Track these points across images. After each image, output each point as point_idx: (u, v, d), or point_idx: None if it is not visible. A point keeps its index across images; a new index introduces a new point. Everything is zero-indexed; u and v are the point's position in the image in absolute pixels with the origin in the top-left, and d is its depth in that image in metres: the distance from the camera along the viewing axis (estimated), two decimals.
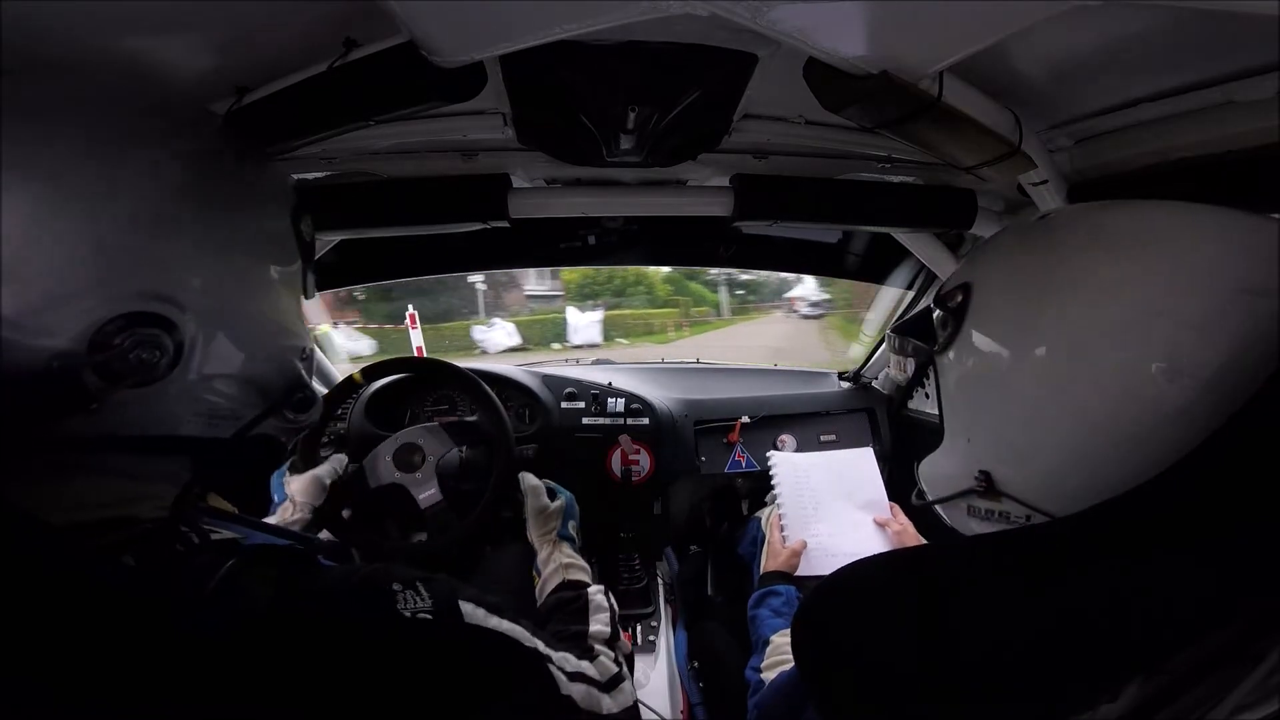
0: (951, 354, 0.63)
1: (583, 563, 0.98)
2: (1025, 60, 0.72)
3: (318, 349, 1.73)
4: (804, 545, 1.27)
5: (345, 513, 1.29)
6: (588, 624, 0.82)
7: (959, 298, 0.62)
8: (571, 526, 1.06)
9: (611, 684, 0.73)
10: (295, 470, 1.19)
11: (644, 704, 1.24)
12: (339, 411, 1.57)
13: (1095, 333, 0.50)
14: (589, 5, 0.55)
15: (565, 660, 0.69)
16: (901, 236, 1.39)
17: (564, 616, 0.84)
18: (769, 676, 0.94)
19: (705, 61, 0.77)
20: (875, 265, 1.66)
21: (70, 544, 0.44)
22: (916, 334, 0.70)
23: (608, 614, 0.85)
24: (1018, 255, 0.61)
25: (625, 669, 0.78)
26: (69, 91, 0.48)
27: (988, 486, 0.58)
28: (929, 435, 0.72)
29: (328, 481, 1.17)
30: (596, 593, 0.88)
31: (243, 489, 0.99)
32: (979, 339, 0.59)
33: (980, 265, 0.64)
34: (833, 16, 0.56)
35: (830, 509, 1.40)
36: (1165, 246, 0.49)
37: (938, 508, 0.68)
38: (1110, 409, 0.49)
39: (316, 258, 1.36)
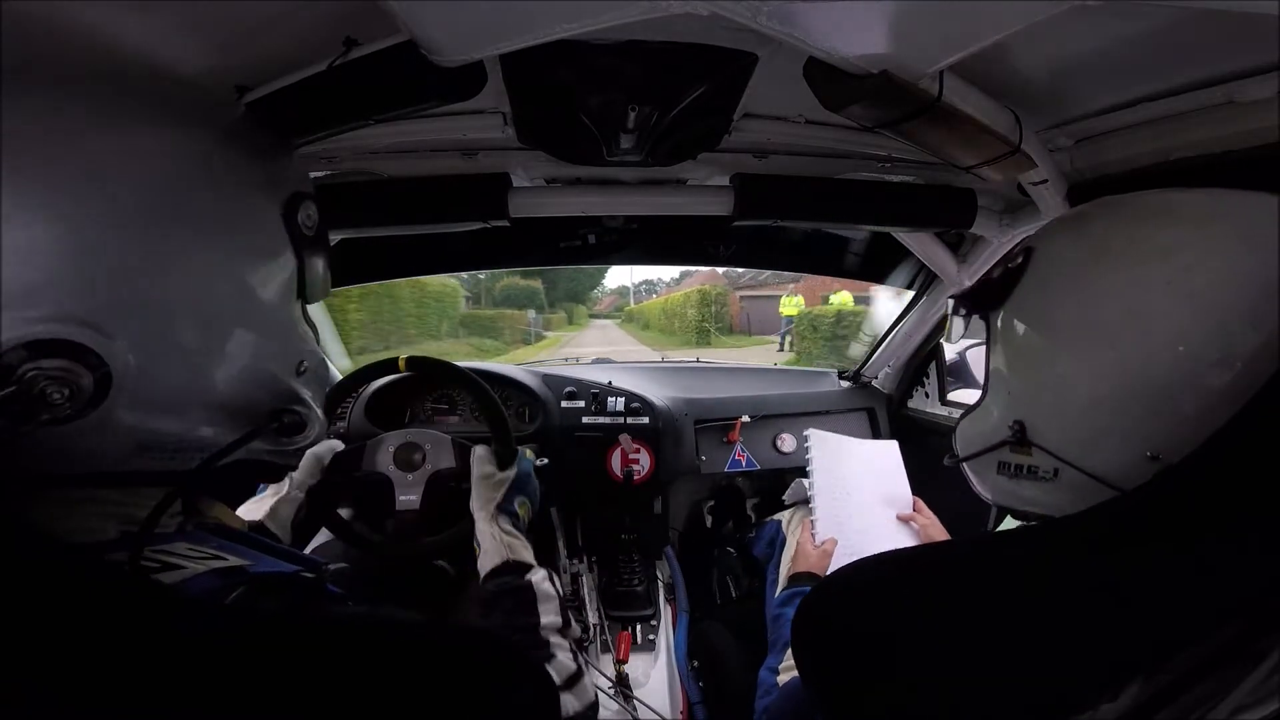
0: (1005, 310, 0.67)
1: (523, 540, 0.89)
2: (1025, 60, 0.72)
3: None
4: (835, 545, 1.26)
5: (345, 512, 1.29)
6: (538, 615, 0.76)
7: (1019, 259, 0.65)
8: (519, 503, 0.95)
9: (571, 682, 0.69)
10: None
11: (644, 703, 1.24)
12: (339, 410, 1.57)
13: (1143, 293, 0.53)
14: (589, 5, 0.55)
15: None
16: (901, 236, 1.39)
17: (511, 607, 0.77)
18: (785, 679, 0.94)
19: (705, 61, 0.77)
20: (875, 265, 1.66)
21: (70, 552, 0.43)
22: (977, 294, 0.73)
23: (556, 602, 0.79)
24: (1077, 225, 0.65)
25: (581, 660, 0.75)
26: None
27: (1021, 436, 0.61)
28: (929, 433, 0.74)
29: (325, 461, 1.15)
30: (541, 580, 0.81)
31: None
32: (1031, 297, 0.64)
33: (1045, 233, 0.68)
34: (833, 16, 0.55)
35: (860, 500, 1.38)
36: (1226, 219, 0.52)
37: (967, 469, 0.70)
38: (1151, 364, 0.51)
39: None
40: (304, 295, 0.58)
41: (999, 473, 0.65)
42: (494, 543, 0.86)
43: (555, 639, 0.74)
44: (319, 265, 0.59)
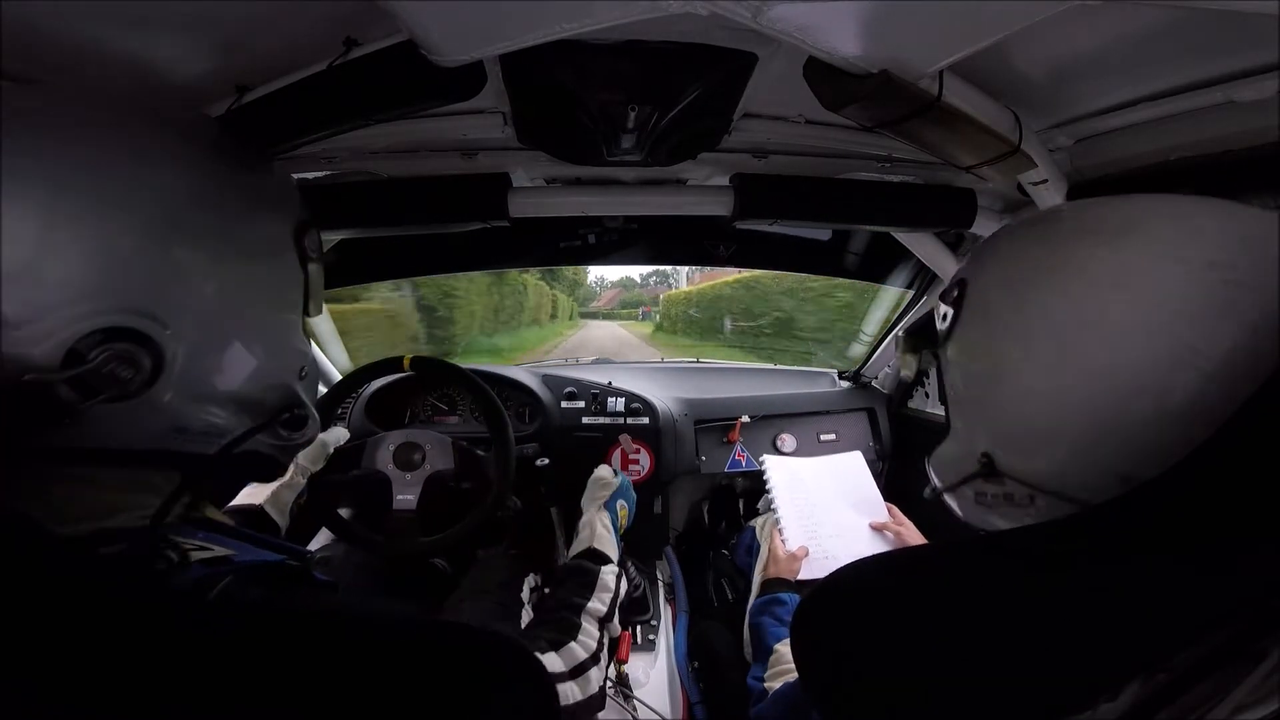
0: (950, 346, 0.65)
1: (613, 537, 1.04)
2: (1025, 60, 0.72)
3: (318, 353, 1.73)
4: (806, 551, 1.27)
5: (344, 512, 1.29)
6: (589, 598, 0.86)
7: (955, 292, 0.64)
8: (619, 505, 1.12)
9: (579, 670, 0.73)
10: None
11: (644, 703, 1.24)
12: (339, 411, 1.57)
13: (1081, 323, 0.51)
14: (589, 5, 0.55)
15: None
16: (901, 236, 1.39)
17: (573, 586, 0.89)
18: (773, 686, 0.93)
19: (705, 61, 0.77)
20: (875, 265, 1.66)
21: (68, 547, 0.44)
22: (923, 332, 0.72)
23: (611, 595, 0.89)
24: (1007, 249, 0.62)
25: (603, 652, 0.81)
26: (69, 97, 0.48)
27: (990, 469, 0.59)
28: (929, 434, 0.72)
29: (331, 449, 1.18)
30: (608, 573, 0.93)
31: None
32: (972, 330, 0.62)
33: (976, 261, 0.65)
34: (833, 16, 0.56)
35: (829, 512, 1.41)
36: (1154, 237, 0.49)
37: (948, 499, 0.68)
38: (1087, 387, 0.50)
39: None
40: (306, 309, 0.65)
41: (977, 502, 0.63)
42: (589, 531, 1.02)
43: (589, 623, 0.82)
44: (319, 285, 0.66)
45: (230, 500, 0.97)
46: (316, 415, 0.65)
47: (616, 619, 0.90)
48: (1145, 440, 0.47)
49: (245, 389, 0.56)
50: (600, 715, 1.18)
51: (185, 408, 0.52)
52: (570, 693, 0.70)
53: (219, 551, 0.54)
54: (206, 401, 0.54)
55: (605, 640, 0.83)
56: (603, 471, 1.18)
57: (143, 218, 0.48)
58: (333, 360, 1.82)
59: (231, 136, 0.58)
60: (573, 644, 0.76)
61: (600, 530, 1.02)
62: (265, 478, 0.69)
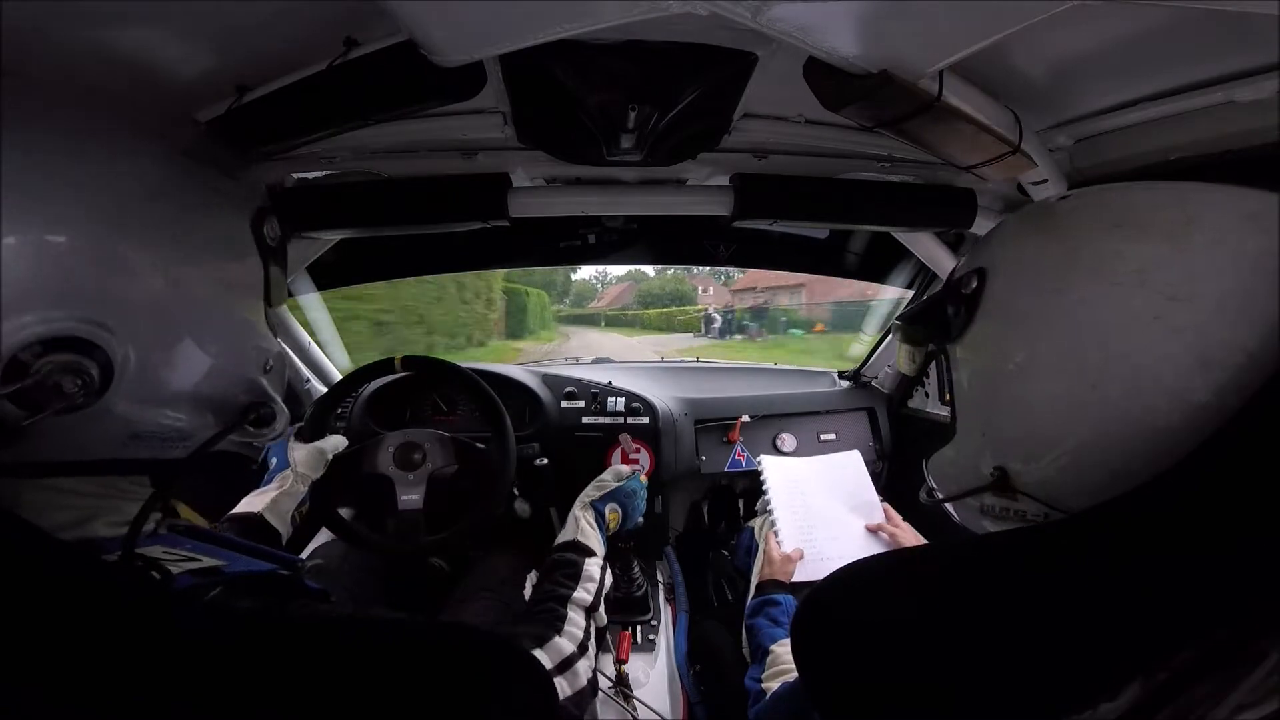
0: (965, 343, 0.59)
1: (597, 533, 1.04)
2: (1025, 60, 0.72)
3: (318, 353, 1.73)
4: (801, 554, 1.27)
5: (344, 512, 1.29)
6: (574, 589, 0.86)
7: (973, 283, 0.58)
8: (609, 508, 1.10)
9: (566, 664, 0.73)
10: (302, 438, 1.19)
11: (644, 703, 1.24)
12: (339, 411, 1.57)
13: (1120, 318, 0.47)
14: (589, 5, 0.55)
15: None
16: (901, 236, 1.39)
17: (557, 577, 0.89)
18: (771, 687, 0.93)
19: (705, 61, 0.77)
20: (875, 264, 1.66)
21: (63, 549, 0.44)
22: (927, 322, 0.66)
23: (596, 585, 0.90)
24: (1037, 237, 0.57)
25: (590, 642, 0.80)
26: (20, 94, 0.45)
27: (1003, 483, 0.55)
28: (929, 433, 0.71)
29: (330, 456, 1.18)
30: (594, 565, 0.94)
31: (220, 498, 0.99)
32: (995, 326, 0.56)
33: (996, 248, 0.60)
34: (833, 16, 0.55)
35: (825, 514, 1.40)
36: (1200, 226, 0.46)
37: (948, 505, 0.64)
38: (1136, 399, 0.46)
39: (315, 257, 1.37)
40: (269, 299, 0.64)
41: (983, 514, 0.59)
42: (573, 524, 1.03)
43: (575, 612, 0.82)
44: (280, 273, 0.65)
45: (226, 509, 0.97)
46: (285, 409, 0.64)
47: (603, 608, 0.90)
48: (1181, 451, 0.44)
49: (205, 388, 0.55)
50: (600, 715, 1.19)
51: (142, 413, 0.50)
52: (559, 688, 0.69)
53: (208, 562, 0.53)
54: (165, 404, 0.52)
55: (592, 630, 0.83)
56: (606, 473, 1.16)
57: (86, 214, 0.45)
58: (333, 360, 1.82)
59: (196, 130, 0.57)
60: (557, 639, 0.75)
61: (584, 525, 1.03)
62: (236, 475, 0.69)
